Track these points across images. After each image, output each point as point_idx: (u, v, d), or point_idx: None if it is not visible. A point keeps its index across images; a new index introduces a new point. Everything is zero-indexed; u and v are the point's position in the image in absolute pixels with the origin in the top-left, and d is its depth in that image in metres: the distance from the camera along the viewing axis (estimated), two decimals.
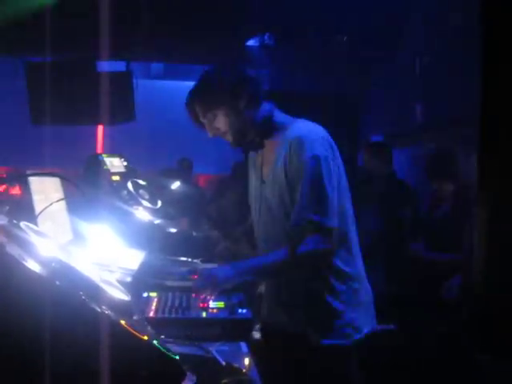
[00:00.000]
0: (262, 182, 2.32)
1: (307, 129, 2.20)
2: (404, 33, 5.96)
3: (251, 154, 2.44)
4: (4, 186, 3.41)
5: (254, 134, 2.27)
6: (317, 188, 2.09)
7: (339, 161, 2.22)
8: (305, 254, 2.09)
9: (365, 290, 2.29)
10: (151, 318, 2.15)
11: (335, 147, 2.22)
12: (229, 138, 2.27)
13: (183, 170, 6.85)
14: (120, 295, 1.41)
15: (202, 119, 2.28)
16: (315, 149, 2.12)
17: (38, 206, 2.40)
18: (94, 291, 1.25)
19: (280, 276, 2.25)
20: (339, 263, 2.19)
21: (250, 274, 2.22)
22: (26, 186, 2.49)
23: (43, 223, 2.38)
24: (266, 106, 2.27)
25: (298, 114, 3.39)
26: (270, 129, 2.27)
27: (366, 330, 2.23)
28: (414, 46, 6.05)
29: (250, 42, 6.56)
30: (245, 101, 2.20)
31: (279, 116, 2.30)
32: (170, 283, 2.60)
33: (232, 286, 2.24)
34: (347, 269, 2.22)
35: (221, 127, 2.24)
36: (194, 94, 2.27)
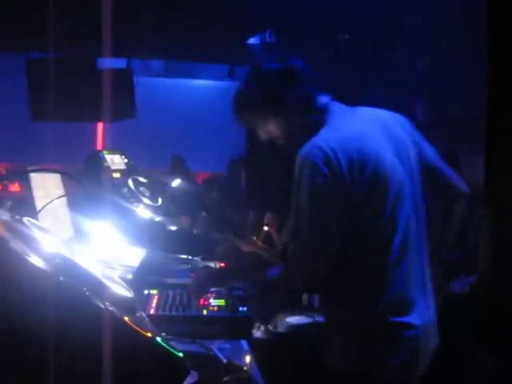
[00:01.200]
0: None
1: (313, 142, 1.94)
2: (404, 32, 5.96)
3: None
4: (4, 183, 3.41)
5: (308, 137, 2.00)
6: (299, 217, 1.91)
7: (351, 176, 1.89)
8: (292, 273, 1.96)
9: None
10: (152, 315, 2.14)
11: (352, 158, 1.90)
12: (282, 142, 2.11)
13: (177, 168, 6.86)
14: (123, 292, 1.41)
15: (254, 126, 2.13)
16: (305, 173, 1.89)
17: (39, 203, 2.40)
18: (98, 287, 1.24)
19: (273, 291, 2.23)
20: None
21: (242, 280, 2.20)
22: (26, 183, 2.49)
23: (44, 220, 2.38)
24: (321, 102, 2.06)
25: None
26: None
27: None
28: (414, 45, 6.05)
29: (251, 40, 6.55)
30: (294, 106, 2.03)
31: (332, 112, 2.06)
32: (170, 281, 2.59)
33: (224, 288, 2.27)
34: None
35: (273, 132, 2.09)
36: (239, 105, 2.10)
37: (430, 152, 2.13)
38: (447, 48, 5.32)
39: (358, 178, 1.90)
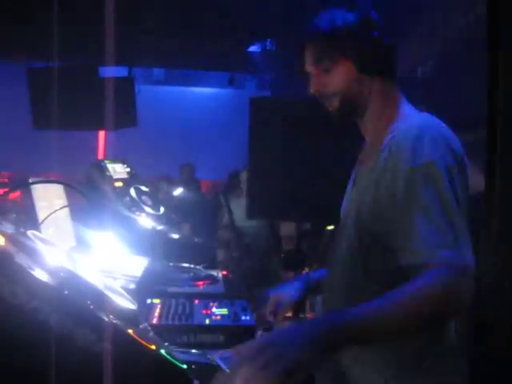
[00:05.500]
0: (354, 184, 1.80)
1: (425, 123, 1.62)
2: (405, 40, 5.98)
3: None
4: (6, 191, 3.42)
5: (362, 111, 1.73)
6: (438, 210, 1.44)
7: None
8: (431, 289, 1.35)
9: None
10: (154, 324, 2.14)
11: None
12: (333, 103, 1.72)
13: (184, 177, 6.87)
14: (127, 304, 1.42)
15: (310, 67, 1.74)
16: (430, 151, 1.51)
17: (42, 213, 2.41)
18: (102, 300, 1.25)
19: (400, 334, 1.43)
20: None
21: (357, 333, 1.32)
22: (28, 193, 2.50)
23: (47, 230, 2.39)
24: (394, 90, 1.75)
25: (298, 119, 3.28)
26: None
27: None
28: (415, 50, 6.07)
29: (252, 48, 6.58)
30: (376, 65, 1.68)
31: (403, 106, 1.75)
32: (173, 289, 2.60)
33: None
34: None
35: (330, 84, 1.70)
36: (318, 29, 1.72)
37: None
38: (449, 53, 5.33)
39: None
